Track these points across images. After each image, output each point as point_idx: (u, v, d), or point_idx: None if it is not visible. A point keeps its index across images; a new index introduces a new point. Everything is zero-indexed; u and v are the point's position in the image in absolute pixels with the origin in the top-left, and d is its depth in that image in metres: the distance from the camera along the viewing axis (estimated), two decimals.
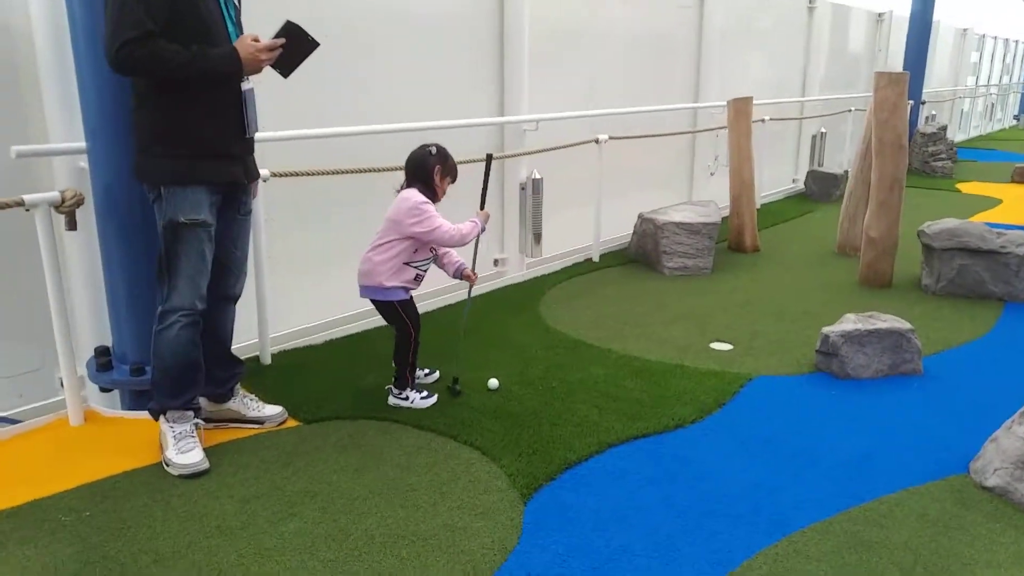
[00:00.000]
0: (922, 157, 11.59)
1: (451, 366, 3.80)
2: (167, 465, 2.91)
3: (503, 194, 5.80)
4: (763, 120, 8.22)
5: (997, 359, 4.19)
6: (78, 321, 3.55)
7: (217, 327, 3.17)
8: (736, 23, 8.21)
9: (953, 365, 4.10)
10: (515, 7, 5.39)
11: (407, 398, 3.51)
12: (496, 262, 5.83)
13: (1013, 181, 10.36)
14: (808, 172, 9.59)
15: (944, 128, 12.20)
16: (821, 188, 9.29)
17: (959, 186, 10.39)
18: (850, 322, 4.03)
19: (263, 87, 3.03)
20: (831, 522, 2.66)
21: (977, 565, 2.44)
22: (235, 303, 3.26)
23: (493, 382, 3.71)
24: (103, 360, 3.40)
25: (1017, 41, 23.62)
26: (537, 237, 5.84)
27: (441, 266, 3.67)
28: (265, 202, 3.98)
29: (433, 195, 3.44)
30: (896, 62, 13.12)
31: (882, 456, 3.12)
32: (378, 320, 4.58)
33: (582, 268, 6.07)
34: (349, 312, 4.50)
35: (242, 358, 3.39)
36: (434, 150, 3.44)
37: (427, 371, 3.80)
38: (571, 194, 6.22)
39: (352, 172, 4.25)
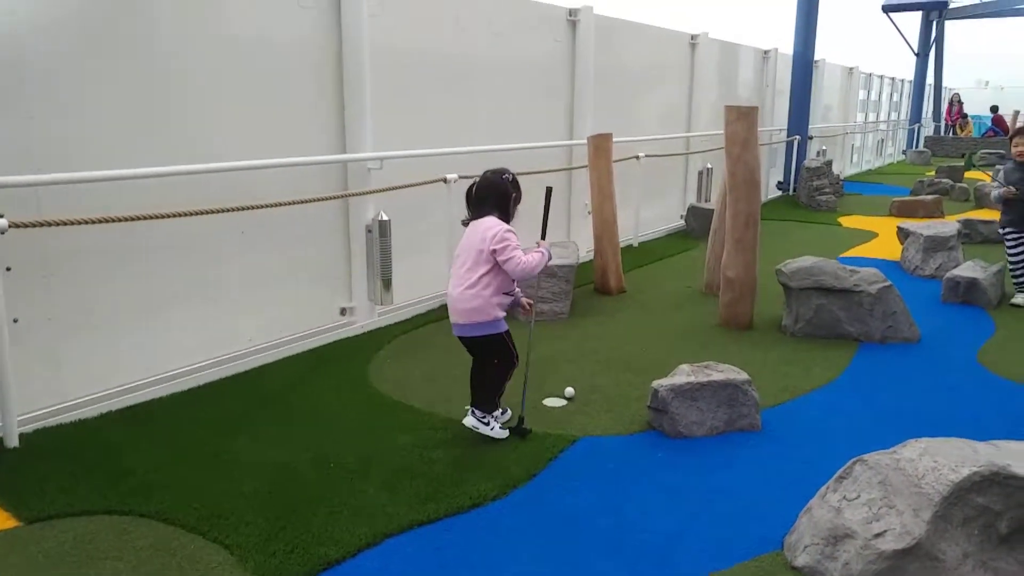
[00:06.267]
0: (807, 191, 11.70)
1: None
2: None
3: (348, 237, 5.37)
4: (637, 157, 8.05)
5: (840, 410, 3.93)
6: None
7: None
8: (612, 59, 8.02)
9: (794, 418, 3.81)
10: (353, 36, 5.01)
11: (488, 423, 3.45)
12: (343, 311, 5.36)
13: (891, 214, 10.51)
14: (688, 208, 9.46)
15: (829, 163, 12.39)
16: (702, 225, 9.14)
17: (841, 219, 10.46)
18: (683, 374, 3.71)
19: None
20: None
21: None
22: None
23: (569, 390, 3.97)
24: None
25: (903, 80, 24.72)
26: (387, 283, 5.42)
27: None
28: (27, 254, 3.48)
29: (508, 222, 3.41)
30: (783, 98, 13.37)
31: (694, 534, 2.76)
32: (167, 387, 4.04)
33: (435, 315, 5.65)
34: (133, 380, 3.95)
35: None
36: (510, 177, 3.41)
37: (500, 410, 3.62)
38: (426, 238, 5.83)
39: (130, 220, 3.71)
